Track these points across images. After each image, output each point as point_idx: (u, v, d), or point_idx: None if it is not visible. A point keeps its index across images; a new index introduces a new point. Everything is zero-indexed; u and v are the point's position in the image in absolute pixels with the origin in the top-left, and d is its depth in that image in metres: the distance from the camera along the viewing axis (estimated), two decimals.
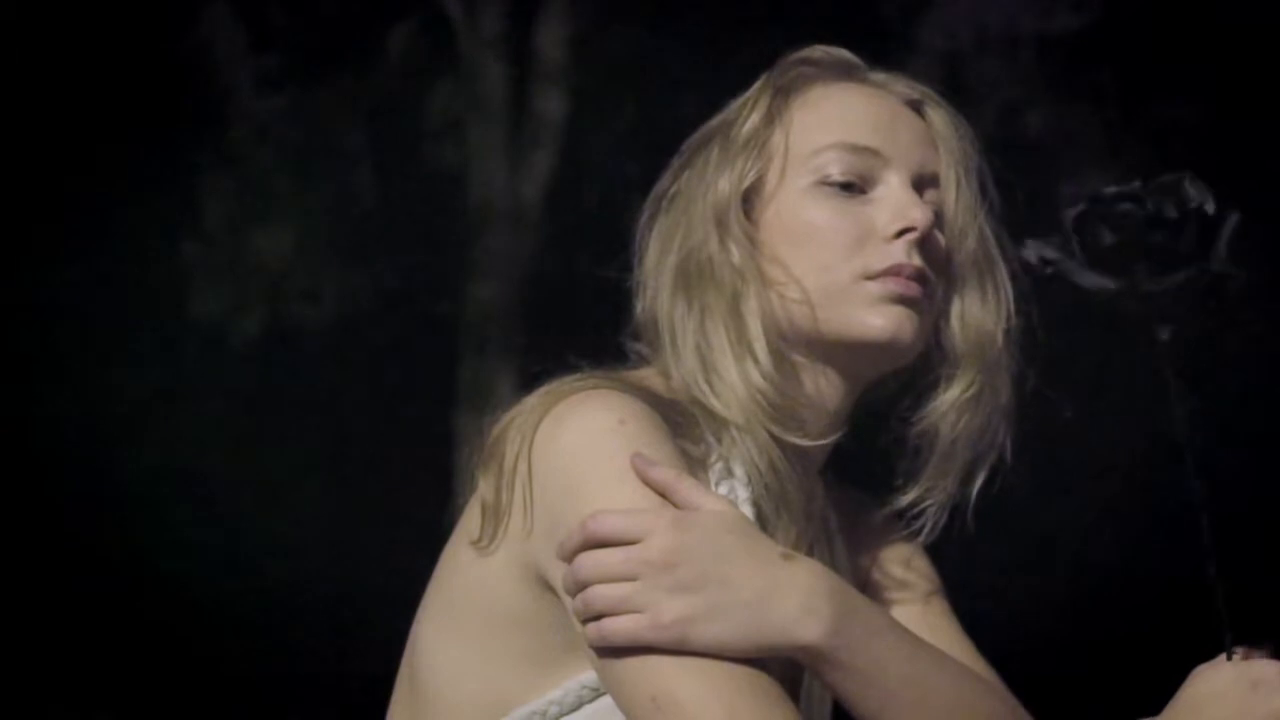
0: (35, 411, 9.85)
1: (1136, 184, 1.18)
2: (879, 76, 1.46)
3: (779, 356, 1.36)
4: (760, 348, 1.34)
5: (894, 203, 1.37)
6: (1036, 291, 1.44)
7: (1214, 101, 10.50)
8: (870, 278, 1.35)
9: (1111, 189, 1.17)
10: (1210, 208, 1.15)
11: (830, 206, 1.37)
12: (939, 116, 1.44)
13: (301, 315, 11.09)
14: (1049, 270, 1.23)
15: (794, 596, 1.16)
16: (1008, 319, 1.42)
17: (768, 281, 1.36)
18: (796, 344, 1.39)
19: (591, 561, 1.19)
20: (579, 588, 1.20)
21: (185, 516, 9.72)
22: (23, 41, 9.85)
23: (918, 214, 1.36)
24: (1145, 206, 1.15)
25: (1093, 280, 1.19)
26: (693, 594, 1.16)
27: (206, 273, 10.97)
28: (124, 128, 10.14)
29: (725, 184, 1.38)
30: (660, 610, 1.16)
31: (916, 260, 1.36)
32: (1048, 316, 1.44)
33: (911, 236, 1.35)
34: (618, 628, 1.17)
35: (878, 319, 1.35)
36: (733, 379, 1.33)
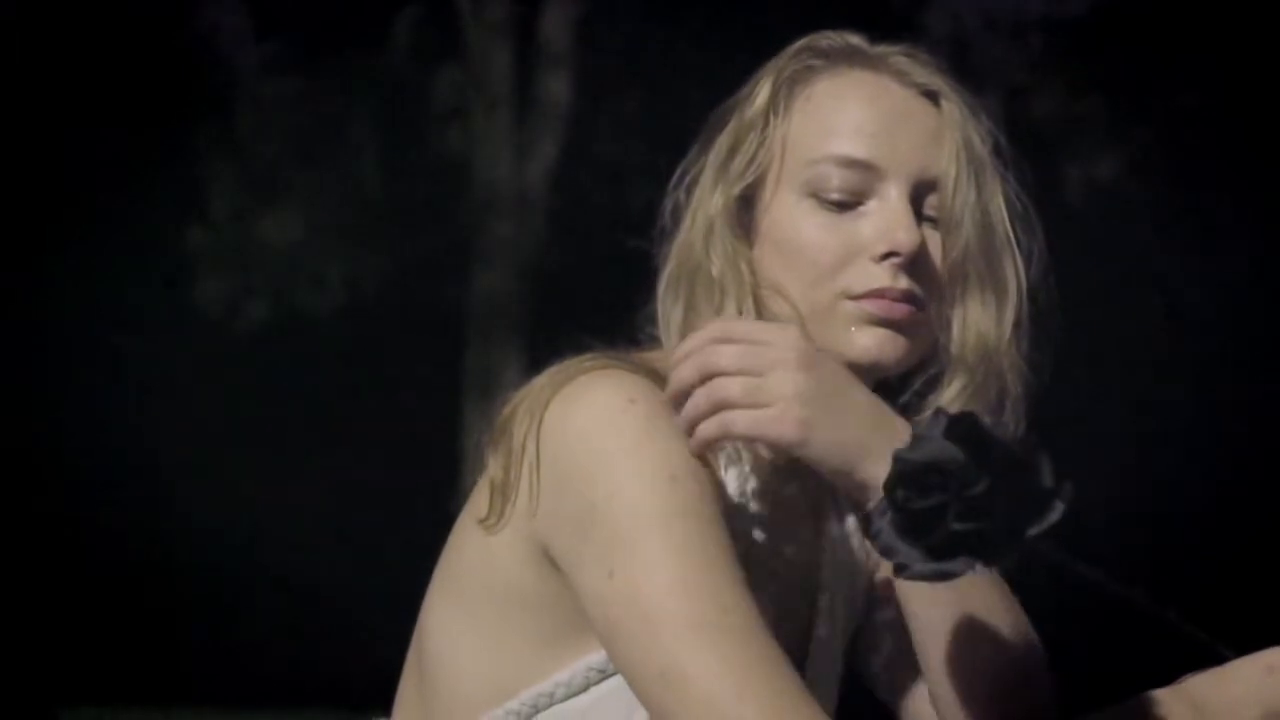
0: (40, 398, 9.87)
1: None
2: (898, 61, 1.37)
3: None
4: None
5: (883, 222, 1.32)
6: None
7: (1220, 87, 10.50)
8: (852, 298, 1.33)
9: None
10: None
11: (819, 223, 1.34)
12: (952, 109, 1.39)
13: (307, 301, 11.10)
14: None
15: (889, 451, 1.16)
16: (1015, 317, 1.40)
17: (758, 292, 1.35)
18: None
19: (729, 351, 1.19)
20: (703, 377, 1.19)
21: (189, 502, 9.75)
22: (28, 30, 9.86)
23: (904, 237, 1.31)
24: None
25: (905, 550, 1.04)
26: (817, 404, 1.19)
27: (212, 259, 10.97)
28: (129, 114, 10.15)
29: (719, 191, 1.36)
30: (789, 406, 1.18)
31: (903, 283, 1.31)
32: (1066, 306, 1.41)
33: (896, 261, 1.33)
34: (740, 418, 1.18)
35: (861, 339, 1.32)
36: None
